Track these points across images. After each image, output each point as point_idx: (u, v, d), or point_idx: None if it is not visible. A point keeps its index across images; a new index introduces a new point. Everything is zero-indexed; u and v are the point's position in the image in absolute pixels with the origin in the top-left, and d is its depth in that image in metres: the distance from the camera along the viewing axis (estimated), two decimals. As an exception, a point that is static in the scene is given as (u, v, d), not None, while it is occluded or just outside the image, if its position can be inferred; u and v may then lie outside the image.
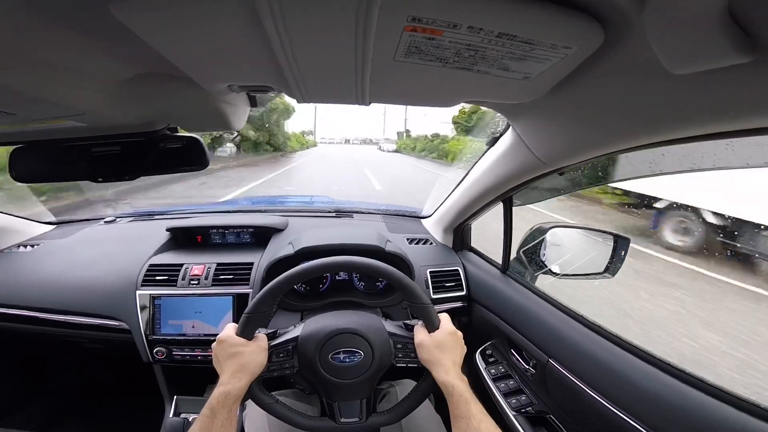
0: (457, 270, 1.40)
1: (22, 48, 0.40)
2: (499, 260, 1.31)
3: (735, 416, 0.64)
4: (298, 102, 0.63)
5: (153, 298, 1.26)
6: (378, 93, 0.60)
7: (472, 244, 1.55)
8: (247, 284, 1.28)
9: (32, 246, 1.53)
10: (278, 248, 1.35)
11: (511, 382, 1.13)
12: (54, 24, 0.38)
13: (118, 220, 1.76)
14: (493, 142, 1.00)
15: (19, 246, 1.53)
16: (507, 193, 1.12)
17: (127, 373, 1.62)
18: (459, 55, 0.47)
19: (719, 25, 0.33)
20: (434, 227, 1.59)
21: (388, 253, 1.27)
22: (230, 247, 1.49)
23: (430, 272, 1.37)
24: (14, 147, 0.76)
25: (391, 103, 0.68)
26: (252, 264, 1.33)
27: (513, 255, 1.29)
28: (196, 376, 1.35)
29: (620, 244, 1.06)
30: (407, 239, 1.52)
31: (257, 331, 0.81)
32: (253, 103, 0.76)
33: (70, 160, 0.78)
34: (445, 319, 0.83)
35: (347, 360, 0.82)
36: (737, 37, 0.34)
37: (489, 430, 0.68)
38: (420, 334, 0.81)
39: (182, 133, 0.80)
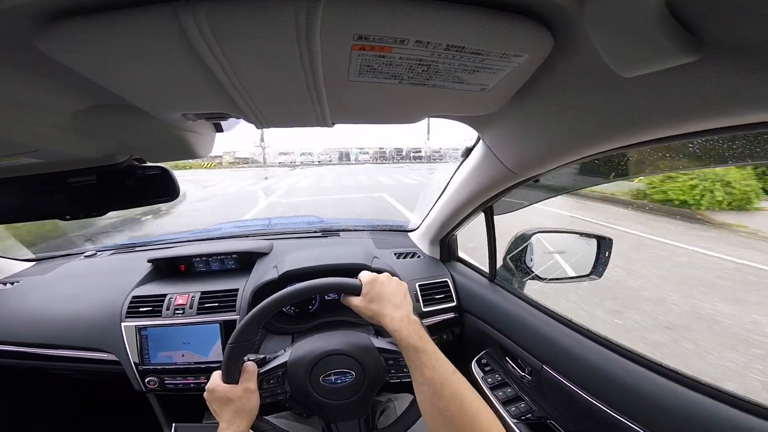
0: (446, 281, 1.39)
1: None
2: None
3: (729, 414, 0.63)
4: (258, 128, 0.62)
5: (139, 329, 1.24)
6: (339, 114, 0.59)
7: (460, 254, 1.54)
8: (234, 311, 1.26)
9: (12, 283, 1.51)
10: (263, 273, 1.33)
11: (509, 390, 1.11)
12: None
13: (98, 253, 1.74)
14: (467, 153, 1.00)
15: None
16: (486, 203, 1.12)
17: (122, 403, 1.58)
18: (412, 70, 0.47)
19: (660, 25, 0.32)
20: (421, 240, 1.58)
21: (375, 269, 1.25)
22: (215, 274, 1.47)
23: (419, 285, 1.35)
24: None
25: (354, 122, 0.67)
26: (237, 290, 1.31)
27: (500, 263, 1.28)
28: (193, 402, 1.31)
29: (603, 246, 1.06)
30: (395, 254, 1.51)
31: (246, 358, 0.79)
32: (219, 129, 0.75)
33: (34, 199, 0.76)
34: (363, 275, 0.79)
35: (339, 381, 0.81)
36: (680, 36, 0.34)
37: (445, 380, 0.61)
38: (349, 301, 0.77)
39: (149, 163, 0.79)
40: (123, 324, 1.25)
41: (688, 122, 0.47)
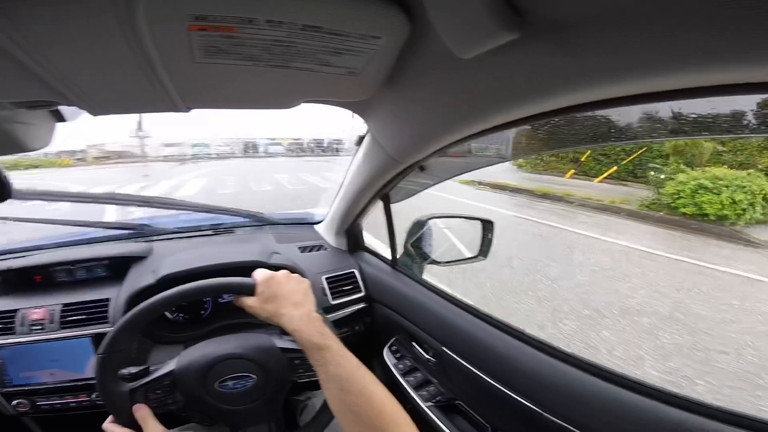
0: (353, 272, 1.39)
1: None
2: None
3: (595, 382, 0.70)
4: (94, 115, 0.54)
5: None
6: (193, 99, 0.55)
7: (366, 243, 1.56)
8: (107, 322, 1.13)
9: None
10: (139, 278, 1.20)
11: (419, 375, 1.14)
12: None
13: None
14: (360, 141, 1.01)
15: None
16: (381, 191, 1.14)
17: None
18: (270, 51, 0.45)
19: (483, 3, 0.33)
20: (327, 232, 1.56)
21: (273, 266, 1.20)
22: (81, 284, 1.28)
23: (326, 279, 1.33)
24: None
25: (217, 108, 0.62)
26: (108, 300, 1.16)
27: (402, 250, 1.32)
28: (81, 423, 1.16)
29: (487, 228, 1.15)
30: (299, 248, 1.46)
31: (125, 372, 0.72)
32: (60, 118, 0.65)
33: None
34: (257, 273, 0.76)
35: (239, 386, 0.76)
36: (502, 13, 0.34)
37: (350, 375, 0.60)
38: (242, 302, 0.73)
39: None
40: None
41: (527, 103, 0.50)
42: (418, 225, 1.27)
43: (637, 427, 0.62)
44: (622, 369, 0.70)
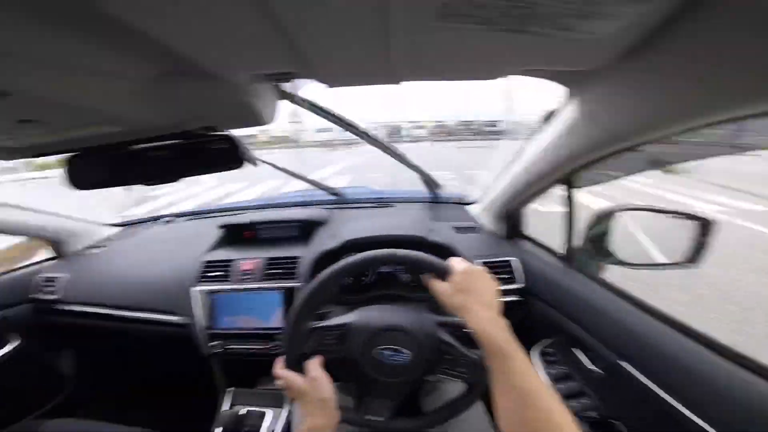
0: (509, 261, 1.29)
1: (31, 52, 0.39)
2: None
3: None
4: (329, 86, 0.58)
5: (209, 293, 1.31)
6: (410, 69, 0.53)
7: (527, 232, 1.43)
8: (295, 278, 1.29)
9: (101, 248, 1.66)
10: (323, 241, 1.34)
11: (573, 384, 1.03)
12: (51, 25, 0.36)
13: (175, 219, 1.85)
14: (549, 116, 0.90)
15: (90, 248, 1.67)
16: (568, 175, 1.01)
17: (185, 365, 1.70)
18: (506, 14, 0.39)
19: None
20: (483, 214, 1.49)
21: (432, 242, 1.20)
22: (277, 241, 1.50)
23: (481, 263, 1.27)
24: (69, 156, 0.79)
25: (425, 79, 0.60)
26: (298, 258, 1.33)
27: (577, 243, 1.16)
28: (249, 368, 1.39)
29: (703, 228, 0.91)
30: (454, 227, 1.44)
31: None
32: (283, 95, 0.72)
33: (118, 166, 0.80)
34: (455, 260, 0.74)
35: (393, 358, 0.78)
36: None
37: (534, 390, 0.56)
38: (434, 284, 0.72)
39: (218, 132, 0.79)
40: (195, 288, 1.31)
41: None
42: (604, 217, 1.09)
43: None
44: None
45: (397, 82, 0.58)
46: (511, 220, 1.38)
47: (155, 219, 1.90)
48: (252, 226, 1.54)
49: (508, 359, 0.60)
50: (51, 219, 1.60)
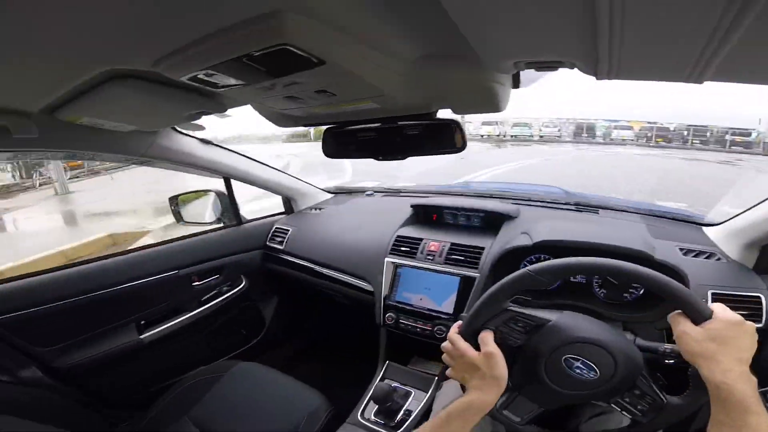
0: (760, 297, 1.01)
1: (349, 25, 0.46)
2: None
3: None
4: (598, 79, 0.53)
5: (396, 266, 1.41)
6: (726, 68, 0.44)
7: None
8: (476, 268, 1.28)
9: (319, 209, 1.98)
10: (511, 237, 1.29)
11: None
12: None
13: (375, 194, 2.09)
14: None
15: (312, 209, 2.01)
16: None
17: (359, 331, 1.83)
18: None
19: None
20: (726, 239, 1.18)
21: (658, 262, 1.03)
22: (461, 228, 1.52)
23: (713, 294, 1.03)
24: (326, 127, 0.96)
25: (735, 81, 0.49)
26: (483, 248, 1.31)
27: None
28: (408, 346, 1.44)
29: None
30: (680, 249, 1.19)
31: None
32: (516, 84, 0.71)
33: (360, 141, 0.94)
34: (719, 307, 0.65)
35: (578, 373, 0.71)
36: None
37: None
38: (682, 323, 0.65)
39: (445, 115, 0.84)
40: (386, 259, 1.42)
41: None
42: None
43: None
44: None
45: (700, 81, 0.49)
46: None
47: (360, 191, 2.16)
48: (439, 209, 1.59)
49: (750, 414, 0.56)
50: (288, 179, 1.97)
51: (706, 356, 0.61)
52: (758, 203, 1.07)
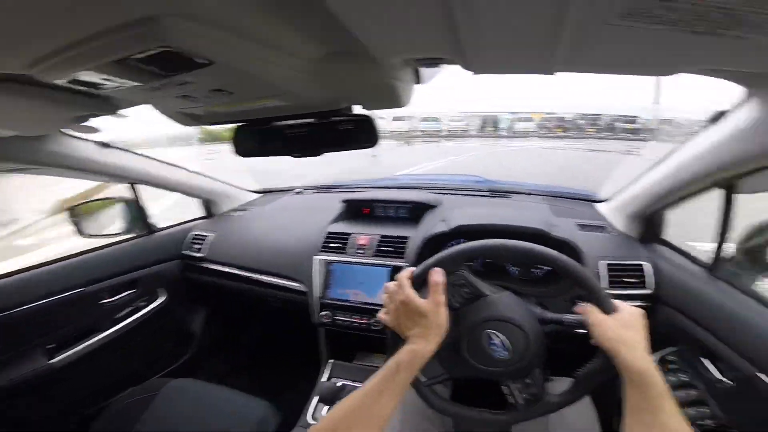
0: (641, 265, 1.17)
1: (239, 25, 0.45)
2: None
3: None
4: (475, 73, 0.58)
5: (327, 263, 1.40)
6: (571, 61, 0.50)
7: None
8: (403, 258, 1.32)
9: (243, 211, 1.88)
10: (432, 224, 1.35)
11: (693, 392, 0.99)
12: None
13: (304, 191, 2.05)
14: (717, 117, 0.81)
15: (235, 211, 1.90)
16: (729, 179, 0.89)
17: (296, 334, 1.81)
18: (702, 18, 0.36)
19: None
20: (615, 213, 1.36)
21: (554, 238, 1.14)
22: (390, 220, 1.55)
23: (607, 265, 1.18)
24: (237, 125, 0.92)
25: (582, 72, 0.56)
26: (407, 238, 1.36)
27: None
28: (350, 342, 1.46)
29: None
30: (577, 225, 1.33)
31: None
32: (419, 79, 0.75)
33: (272, 139, 0.91)
34: (621, 303, 0.71)
35: (496, 349, 0.72)
36: None
37: (679, 429, 0.56)
38: (594, 314, 0.68)
39: (357, 111, 0.85)
40: (317, 257, 1.40)
41: None
42: (765, 228, 0.94)
43: None
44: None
45: (550, 72, 0.55)
46: (649, 222, 1.25)
47: (288, 190, 2.10)
48: (370, 203, 1.61)
49: (666, 398, 0.58)
50: (205, 180, 1.84)
51: (626, 342, 0.64)
52: (634, 181, 1.23)
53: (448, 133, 23.57)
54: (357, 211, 1.64)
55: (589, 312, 0.69)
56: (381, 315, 0.76)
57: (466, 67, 0.57)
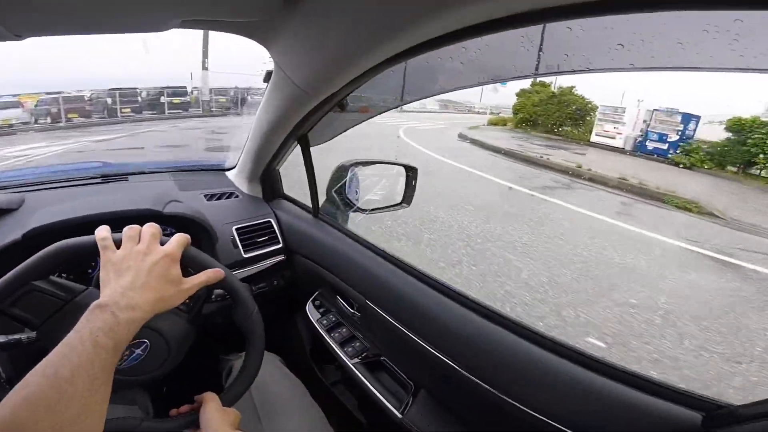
0: (270, 222, 1.28)
1: None
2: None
3: (522, 345, 0.69)
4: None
5: None
6: (24, 21, 0.38)
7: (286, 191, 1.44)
8: None
9: None
10: (4, 234, 0.99)
11: (344, 330, 1.11)
12: None
13: None
14: (268, 76, 0.86)
15: None
16: (296, 131, 1.02)
17: None
18: None
19: None
20: (239, 178, 1.41)
21: (168, 215, 1.04)
22: None
23: (237, 229, 1.21)
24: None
25: (59, 33, 0.46)
26: None
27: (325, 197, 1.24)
28: None
29: (411, 174, 1.11)
30: (205, 195, 1.30)
31: None
32: None
33: None
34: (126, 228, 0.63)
35: (135, 354, 0.61)
36: None
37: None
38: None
39: None
40: None
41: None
42: (342, 170, 1.18)
43: (555, 386, 0.63)
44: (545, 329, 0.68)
45: (12, 38, 0.41)
46: (267, 181, 1.36)
47: None
48: None
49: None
50: None
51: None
52: (243, 146, 1.29)
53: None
54: None
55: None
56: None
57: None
